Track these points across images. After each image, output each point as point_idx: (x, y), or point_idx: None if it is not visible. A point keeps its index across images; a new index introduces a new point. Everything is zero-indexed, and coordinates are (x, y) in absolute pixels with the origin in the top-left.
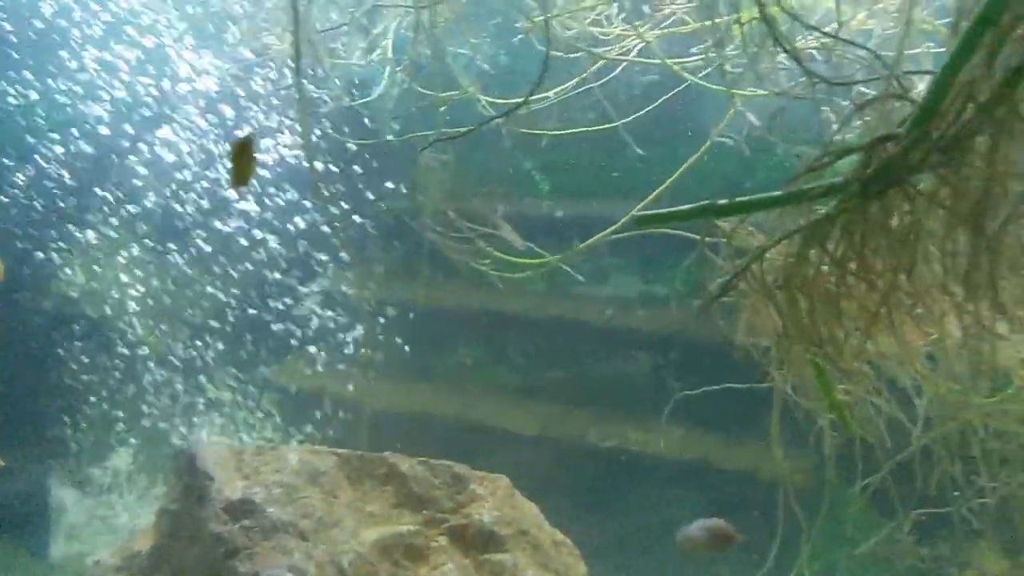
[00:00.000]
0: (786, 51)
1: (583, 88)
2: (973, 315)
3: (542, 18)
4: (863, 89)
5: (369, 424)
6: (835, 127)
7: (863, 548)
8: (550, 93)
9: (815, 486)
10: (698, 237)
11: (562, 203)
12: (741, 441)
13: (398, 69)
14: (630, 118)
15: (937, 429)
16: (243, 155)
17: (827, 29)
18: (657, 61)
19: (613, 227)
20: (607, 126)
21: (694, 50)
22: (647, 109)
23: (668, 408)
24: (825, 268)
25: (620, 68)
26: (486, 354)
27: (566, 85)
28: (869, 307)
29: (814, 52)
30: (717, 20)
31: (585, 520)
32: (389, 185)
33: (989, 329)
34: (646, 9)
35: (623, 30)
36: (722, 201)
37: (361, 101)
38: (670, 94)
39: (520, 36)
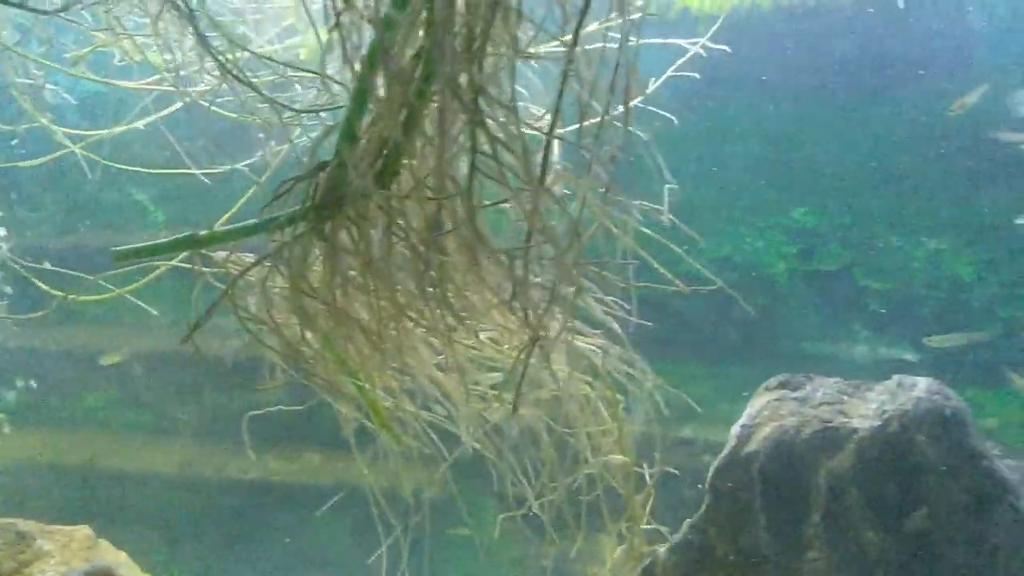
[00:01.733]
0: (238, 79)
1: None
2: (437, 330)
3: (89, 49)
4: None
5: None
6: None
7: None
8: (139, 124)
9: (449, 496)
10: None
11: (180, 233)
12: (380, 459)
13: None
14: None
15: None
16: None
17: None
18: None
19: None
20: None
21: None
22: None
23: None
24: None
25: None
26: (115, 395)
27: (153, 117)
28: (372, 326)
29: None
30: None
31: (229, 556)
32: None
33: (454, 339)
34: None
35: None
36: (202, 232)
37: None
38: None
39: (121, 63)
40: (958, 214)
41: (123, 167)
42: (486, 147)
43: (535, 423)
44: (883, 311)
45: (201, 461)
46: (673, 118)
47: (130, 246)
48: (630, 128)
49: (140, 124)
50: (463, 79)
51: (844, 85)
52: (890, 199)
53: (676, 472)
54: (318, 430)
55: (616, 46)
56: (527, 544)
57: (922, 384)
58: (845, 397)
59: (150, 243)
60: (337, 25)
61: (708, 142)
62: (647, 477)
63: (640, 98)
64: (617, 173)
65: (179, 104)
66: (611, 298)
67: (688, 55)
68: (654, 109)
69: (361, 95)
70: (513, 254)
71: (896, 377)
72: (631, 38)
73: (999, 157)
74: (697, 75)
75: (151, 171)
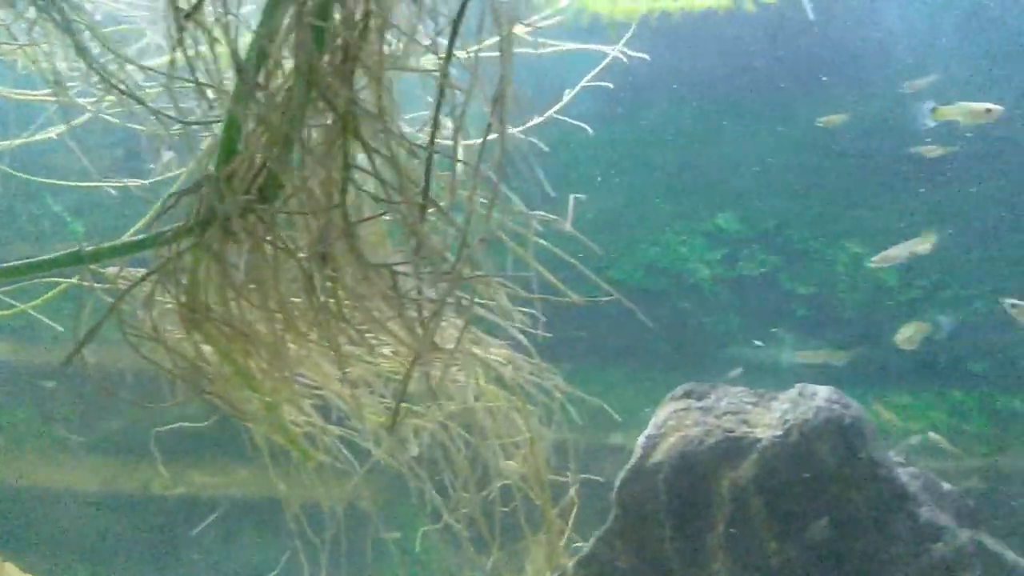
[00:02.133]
0: (119, 90)
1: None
2: (329, 344)
3: None
4: None
5: None
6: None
7: None
8: (52, 134)
9: (384, 508)
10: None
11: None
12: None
13: None
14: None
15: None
16: None
17: None
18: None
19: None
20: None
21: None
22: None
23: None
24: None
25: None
26: (33, 411)
27: (63, 127)
28: (267, 340)
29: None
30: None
31: (155, 574)
32: None
33: (353, 353)
34: None
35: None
36: (89, 247)
37: None
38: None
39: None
40: (878, 219)
41: (33, 178)
42: (386, 161)
43: (443, 435)
44: (807, 315)
45: (124, 477)
46: (587, 127)
47: (9, 264)
48: (529, 138)
49: (53, 134)
50: (338, 93)
51: (756, 91)
52: (811, 204)
53: (601, 480)
54: (245, 443)
55: (537, 53)
56: (460, 554)
57: (822, 393)
58: (749, 406)
59: (30, 260)
60: (180, 42)
61: (628, 149)
62: (571, 486)
63: (556, 107)
64: (536, 182)
65: (87, 115)
66: (526, 309)
67: (606, 60)
68: (569, 120)
69: (232, 116)
70: (395, 268)
71: (798, 386)
72: (547, 44)
73: (915, 165)
74: (611, 84)
75: (60, 182)
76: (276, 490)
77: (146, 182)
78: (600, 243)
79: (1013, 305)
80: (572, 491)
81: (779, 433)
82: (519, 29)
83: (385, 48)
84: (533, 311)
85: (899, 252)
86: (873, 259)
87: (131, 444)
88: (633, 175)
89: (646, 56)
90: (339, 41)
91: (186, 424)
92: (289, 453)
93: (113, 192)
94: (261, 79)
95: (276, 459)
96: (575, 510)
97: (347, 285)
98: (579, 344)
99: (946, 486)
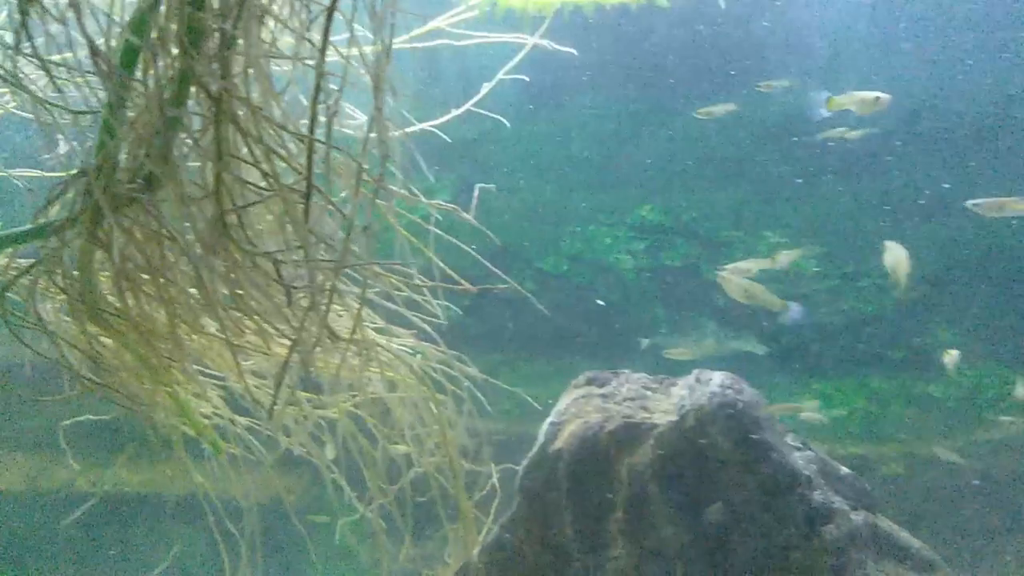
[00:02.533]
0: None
1: None
2: (224, 331)
3: None
4: None
5: None
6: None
7: None
8: None
9: (311, 503)
10: None
11: None
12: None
13: None
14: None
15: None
16: None
17: None
18: None
19: None
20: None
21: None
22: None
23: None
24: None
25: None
26: None
27: None
28: (162, 330)
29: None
30: None
31: (80, 572)
32: None
33: (240, 343)
34: None
35: None
36: None
37: None
38: None
39: None
40: (796, 209)
41: None
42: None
43: (352, 426)
44: (728, 304)
45: (48, 475)
46: (505, 121)
47: None
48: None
49: None
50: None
51: (671, 85)
52: (731, 195)
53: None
54: (170, 439)
55: (458, 44)
56: (386, 545)
57: (716, 378)
58: (649, 392)
59: None
60: (24, 26)
61: (552, 142)
62: (491, 475)
63: (474, 100)
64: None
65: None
66: (444, 302)
67: (524, 51)
68: (485, 113)
69: (108, 115)
70: (277, 257)
71: (696, 371)
72: (467, 35)
73: (832, 155)
74: (527, 78)
75: None
76: (199, 485)
77: (50, 174)
78: (527, 235)
79: (887, 249)
80: (494, 479)
81: (675, 419)
82: (436, 22)
83: (267, 38)
84: (448, 303)
85: (750, 265)
86: (724, 269)
87: (55, 441)
88: (558, 168)
89: (574, 51)
90: (214, 29)
91: (105, 418)
92: (204, 448)
93: (19, 183)
94: (140, 68)
95: (191, 453)
96: (498, 498)
97: (227, 274)
98: (510, 335)
99: (844, 470)
